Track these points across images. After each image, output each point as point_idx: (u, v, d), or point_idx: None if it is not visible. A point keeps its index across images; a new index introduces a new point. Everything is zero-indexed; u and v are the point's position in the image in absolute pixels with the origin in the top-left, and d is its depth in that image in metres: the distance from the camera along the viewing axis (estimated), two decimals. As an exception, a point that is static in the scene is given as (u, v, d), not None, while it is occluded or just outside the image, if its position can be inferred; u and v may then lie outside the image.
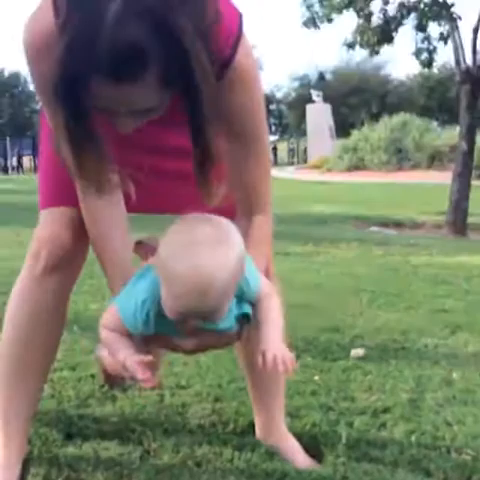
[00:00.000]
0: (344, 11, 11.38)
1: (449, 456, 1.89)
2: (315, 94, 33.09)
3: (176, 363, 2.55)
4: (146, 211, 1.75)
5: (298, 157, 37.64)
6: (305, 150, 36.31)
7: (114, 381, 1.86)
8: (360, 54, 48.89)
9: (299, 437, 1.94)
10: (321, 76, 37.38)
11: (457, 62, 9.95)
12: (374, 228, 9.94)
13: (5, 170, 37.12)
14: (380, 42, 11.39)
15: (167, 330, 1.47)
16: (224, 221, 1.38)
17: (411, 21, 11.66)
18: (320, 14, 11.67)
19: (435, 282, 4.94)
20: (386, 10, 11.47)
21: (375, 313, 3.79)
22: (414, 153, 22.56)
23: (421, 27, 11.74)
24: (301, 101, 37.19)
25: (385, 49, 12.06)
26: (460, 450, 1.92)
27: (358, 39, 11.78)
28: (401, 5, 11.34)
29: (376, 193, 16.35)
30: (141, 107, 1.29)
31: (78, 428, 1.94)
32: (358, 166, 23.24)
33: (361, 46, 11.77)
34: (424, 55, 12.11)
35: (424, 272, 5.44)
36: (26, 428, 1.71)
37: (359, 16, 11.52)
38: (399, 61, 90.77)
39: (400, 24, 11.51)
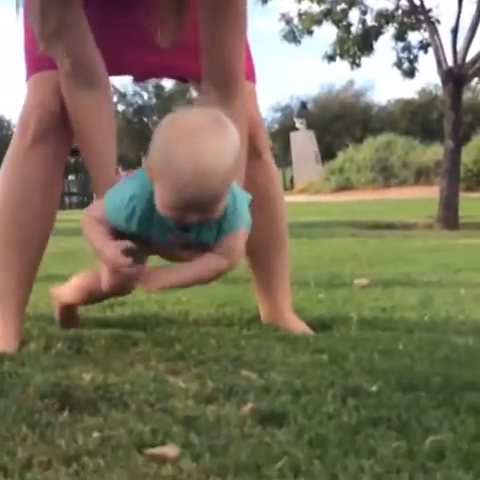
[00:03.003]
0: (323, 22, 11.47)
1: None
2: (298, 122, 33.28)
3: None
4: None
5: (285, 185, 37.75)
6: (291, 179, 36.34)
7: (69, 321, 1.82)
8: (340, 83, 49.48)
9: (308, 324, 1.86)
10: (303, 105, 37.63)
11: (439, 64, 10.02)
12: (366, 230, 9.87)
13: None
14: (361, 51, 11.48)
15: (153, 234, 1.43)
16: (215, 109, 1.34)
17: (390, 31, 11.80)
18: (300, 27, 11.75)
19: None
20: (365, 20, 11.59)
21: (377, 269, 3.73)
22: (400, 170, 22.72)
23: (400, 36, 11.89)
24: (285, 131, 37.43)
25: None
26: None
27: (338, 51, 11.87)
28: (379, 14, 11.46)
29: (365, 208, 16.35)
30: None
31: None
32: (345, 186, 23.34)
33: (341, 57, 11.84)
34: (406, 64, 12.24)
35: (419, 246, 5.42)
36: (22, 302, 1.63)
37: (338, 27, 11.63)
38: (379, 88, 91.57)
39: (379, 33, 11.62)
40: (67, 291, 1.74)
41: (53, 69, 1.54)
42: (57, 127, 1.57)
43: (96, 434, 0.90)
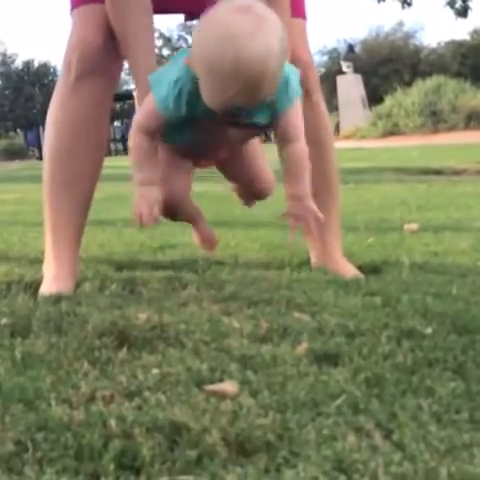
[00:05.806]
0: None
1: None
2: (345, 65, 32.53)
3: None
4: None
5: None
6: (337, 125, 35.67)
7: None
8: (389, 25, 48.07)
9: (358, 268, 1.85)
10: (350, 48, 36.80)
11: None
12: (414, 176, 9.70)
13: (40, 158, 37.74)
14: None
15: (203, 113, 1.38)
16: (256, 3, 1.27)
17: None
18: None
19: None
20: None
21: (426, 214, 3.67)
22: (450, 114, 22.12)
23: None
24: (331, 75, 36.66)
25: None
26: None
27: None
28: None
29: (413, 153, 16.04)
30: None
31: (129, 264, 1.88)
32: (393, 132, 22.86)
33: (392, -4, 11.50)
34: (458, 3, 11.83)
35: (469, 191, 5.30)
36: (75, 241, 1.65)
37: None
38: (429, 30, 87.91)
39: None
40: None
41: (96, 2, 1.55)
42: (100, 63, 1.58)
43: (155, 371, 0.92)
